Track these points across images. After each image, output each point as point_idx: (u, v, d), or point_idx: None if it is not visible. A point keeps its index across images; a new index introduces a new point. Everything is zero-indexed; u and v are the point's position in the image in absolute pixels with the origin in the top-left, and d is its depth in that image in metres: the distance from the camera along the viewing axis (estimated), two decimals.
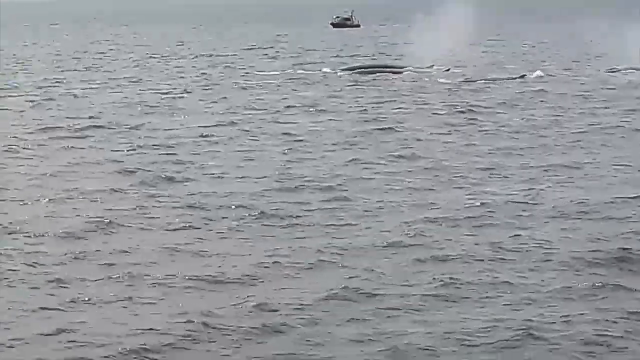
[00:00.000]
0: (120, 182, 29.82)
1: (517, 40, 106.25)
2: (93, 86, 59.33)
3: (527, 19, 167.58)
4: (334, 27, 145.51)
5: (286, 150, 35.58)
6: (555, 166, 32.06)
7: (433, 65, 66.34)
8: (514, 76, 61.78)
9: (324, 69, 68.86)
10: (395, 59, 78.46)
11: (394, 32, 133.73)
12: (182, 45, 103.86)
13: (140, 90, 57.23)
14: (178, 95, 54.10)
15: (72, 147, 36.70)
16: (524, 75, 61.86)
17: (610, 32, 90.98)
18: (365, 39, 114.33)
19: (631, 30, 77.81)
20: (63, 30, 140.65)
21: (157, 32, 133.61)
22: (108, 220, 24.37)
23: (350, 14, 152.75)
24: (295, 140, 37.76)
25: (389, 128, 41.06)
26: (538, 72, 64.03)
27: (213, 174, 31.19)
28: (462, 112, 46.33)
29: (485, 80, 60.33)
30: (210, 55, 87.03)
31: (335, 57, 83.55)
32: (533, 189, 28.37)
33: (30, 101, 51.52)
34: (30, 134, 39.91)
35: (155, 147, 36.50)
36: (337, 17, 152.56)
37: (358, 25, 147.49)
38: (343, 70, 67.78)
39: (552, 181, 29.70)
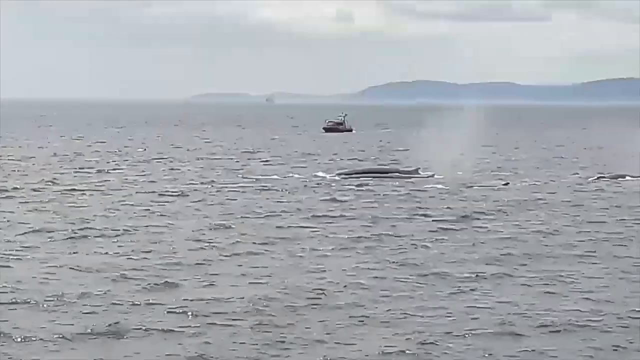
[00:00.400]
0: (117, 287, 29.73)
1: (511, 147, 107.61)
2: (88, 188, 59.47)
3: (531, 124, 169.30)
4: (326, 131, 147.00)
5: (283, 256, 35.63)
6: (545, 276, 32.17)
7: (418, 168, 67.67)
8: (500, 183, 62.90)
9: (319, 173, 69.45)
10: (389, 164, 79.52)
11: (386, 137, 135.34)
12: (179, 147, 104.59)
13: (136, 192, 57.42)
14: (174, 198, 54.25)
15: (66, 251, 36.62)
16: (507, 183, 63.00)
17: (611, 140, 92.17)
18: (358, 144, 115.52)
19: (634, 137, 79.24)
20: (59, 132, 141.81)
21: (153, 135, 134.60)
22: (107, 327, 24.25)
23: (342, 119, 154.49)
24: (292, 246, 37.80)
25: (385, 234, 41.19)
26: (525, 180, 65.11)
27: (210, 279, 31.16)
28: (454, 218, 46.58)
29: (477, 186, 60.91)
30: (206, 158, 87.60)
31: (329, 161, 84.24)
32: (525, 299, 28.53)
33: (24, 203, 51.57)
34: (24, 236, 39.84)
35: (151, 251, 36.49)
36: (330, 121, 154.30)
37: (350, 130, 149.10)
38: (337, 174, 68.39)
39: (543, 291, 29.92)
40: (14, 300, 27.57)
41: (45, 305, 26.98)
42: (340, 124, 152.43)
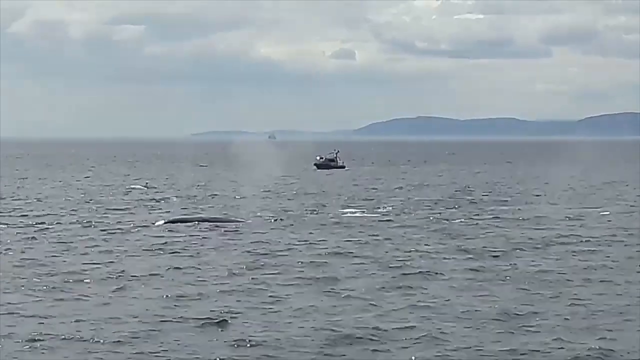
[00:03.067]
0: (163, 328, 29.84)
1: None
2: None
3: None
4: (318, 168, 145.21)
5: (323, 298, 35.19)
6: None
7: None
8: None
9: (344, 212, 69.07)
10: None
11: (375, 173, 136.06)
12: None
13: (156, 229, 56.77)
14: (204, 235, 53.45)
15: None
16: None
17: None
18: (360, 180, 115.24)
19: None
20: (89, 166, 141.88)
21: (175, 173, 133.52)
22: None
23: (335, 155, 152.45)
24: (331, 286, 37.43)
25: (417, 273, 40.61)
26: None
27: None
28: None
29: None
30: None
31: (344, 198, 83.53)
32: None
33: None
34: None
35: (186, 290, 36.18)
36: (321, 158, 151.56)
37: (343, 167, 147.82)
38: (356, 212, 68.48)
39: None
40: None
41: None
42: (332, 160, 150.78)
